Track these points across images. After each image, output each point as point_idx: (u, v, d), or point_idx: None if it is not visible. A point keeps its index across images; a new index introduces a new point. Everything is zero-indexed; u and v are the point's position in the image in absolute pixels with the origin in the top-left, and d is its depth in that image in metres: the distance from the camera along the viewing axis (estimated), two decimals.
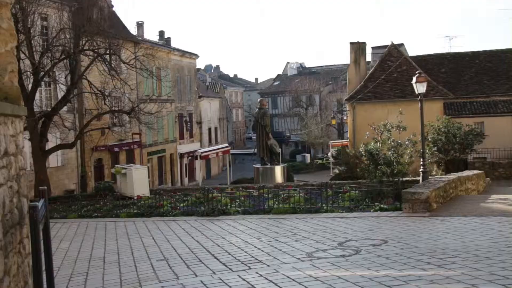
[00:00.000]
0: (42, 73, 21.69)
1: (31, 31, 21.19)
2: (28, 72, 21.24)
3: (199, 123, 51.30)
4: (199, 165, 43.09)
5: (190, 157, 45.90)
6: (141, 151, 37.46)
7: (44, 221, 4.16)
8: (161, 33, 49.92)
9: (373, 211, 12.20)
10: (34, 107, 22.02)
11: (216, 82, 66.86)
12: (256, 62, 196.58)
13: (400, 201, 12.11)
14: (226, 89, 73.24)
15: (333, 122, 53.56)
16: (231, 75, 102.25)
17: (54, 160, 27.46)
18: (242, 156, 60.42)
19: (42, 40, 24.04)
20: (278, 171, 24.18)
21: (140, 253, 9.32)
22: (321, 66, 77.90)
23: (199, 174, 43.51)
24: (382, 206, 12.54)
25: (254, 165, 26.44)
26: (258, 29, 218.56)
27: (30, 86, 21.40)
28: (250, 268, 7.23)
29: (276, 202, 14.16)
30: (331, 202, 13.64)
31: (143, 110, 26.50)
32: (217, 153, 46.73)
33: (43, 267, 3.99)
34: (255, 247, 8.77)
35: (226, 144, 54.72)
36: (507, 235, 8.16)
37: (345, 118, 45.15)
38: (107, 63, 23.86)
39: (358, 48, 36.28)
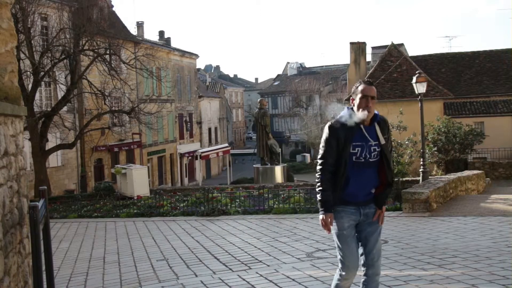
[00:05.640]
0: (42, 73, 21.69)
1: (31, 31, 21.20)
2: (28, 72, 21.26)
3: (199, 123, 51.30)
4: (199, 165, 43.10)
5: (190, 157, 45.92)
6: (141, 151, 37.47)
7: (44, 221, 4.16)
8: (161, 33, 49.93)
9: None
10: (34, 107, 22.03)
11: (216, 82, 66.89)
12: (256, 62, 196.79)
13: (400, 201, 12.11)
14: (226, 89, 73.24)
15: None
16: (231, 75, 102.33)
17: (54, 160, 27.47)
18: (242, 156, 60.36)
19: (42, 40, 24.05)
20: (278, 171, 24.19)
21: (140, 253, 9.32)
22: (321, 66, 77.89)
23: (199, 174, 43.52)
24: None
25: (254, 165, 26.45)
26: (259, 29, 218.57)
27: (30, 86, 21.41)
28: (250, 268, 7.23)
29: (276, 202, 14.16)
30: None
31: (143, 110, 26.52)
32: (217, 153, 46.75)
33: (43, 267, 3.99)
34: (255, 247, 8.76)
35: (226, 144, 54.73)
36: (507, 235, 8.16)
37: None
38: (107, 63, 23.88)
39: (358, 48, 36.30)
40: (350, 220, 4.07)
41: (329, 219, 4.03)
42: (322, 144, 4.14)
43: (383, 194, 4.14)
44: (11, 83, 3.74)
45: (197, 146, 48.18)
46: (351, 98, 4.13)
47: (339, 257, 4.11)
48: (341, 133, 4.00)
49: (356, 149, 4.01)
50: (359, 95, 4.01)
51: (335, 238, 4.13)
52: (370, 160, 4.04)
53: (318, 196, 4.12)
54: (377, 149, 4.04)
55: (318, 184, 4.10)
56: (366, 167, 4.05)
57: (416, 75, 17.19)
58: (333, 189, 4.04)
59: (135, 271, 7.93)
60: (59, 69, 23.92)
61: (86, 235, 12.46)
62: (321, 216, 4.06)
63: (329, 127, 4.09)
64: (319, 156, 4.14)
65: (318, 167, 4.13)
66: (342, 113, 4.11)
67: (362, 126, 4.03)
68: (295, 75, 75.50)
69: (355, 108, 4.05)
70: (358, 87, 4.07)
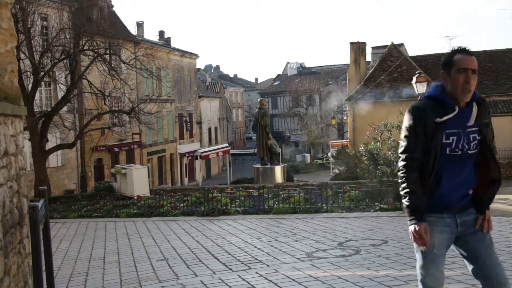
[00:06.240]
0: (42, 73, 21.71)
1: (31, 31, 21.22)
2: (28, 72, 21.27)
3: (199, 123, 51.33)
4: (199, 165, 43.09)
5: (190, 157, 45.93)
6: (141, 151, 37.48)
7: (44, 221, 4.16)
8: (161, 33, 49.98)
9: (373, 211, 12.21)
10: (34, 107, 22.05)
11: (216, 82, 66.95)
12: (256, 62, 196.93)
13: (400, 201, 12.11)
14: (226, 89, 73.30)
15: (333, 122, 53.62)
16: (231, 75, 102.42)
17: (54, 160, 27.47)
18: (242, 156, 60.36)
19: (42, 40, 24.07)
20: (278, 171, 24.20)
21: (140, 253, 9.32)
22: (321, 66, 77.91)
23: (199, 174, 43.52)
24: (382, 206, 12.54)
25: (254, 165, 26.47)
26: (259, 29, 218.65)
27: (30, 86, 21.42)
28: (250, 268, 7.23)
29: (276, 202, 14.16)
30: (331, 202, 13.64)
31: (143, 110, 26.54)
32: (217, 153, 46.77)
33: (43, 267, 3.99)
34: (255, 247, 8.77)
35: (226, 144, 54.74)
36: (507, 235, 8.16)
37: (345, 118, 45.17)
38: (107, 63, 23.89)
39: (358, 48, 36.29)
40: (442, 234, 3.09)
41: (424, 230, 3.01)
42: (404, 133, 3.15)
43: (487, 195, 3.14)
44: (11, 83, 3.74)
45: (197, 146, 48.19)
46: (441, 71, 3.11)
47: (420, 277, 3.13)
48: (431, 116, 2.99)
49: (451, 138, 3.01)
50: (455, 68, 2.98)
51: (418, 255, 3.14)
52: (469, 152, 3.03)
53: (406, 201, 3.11)
54: (477, 137, 3.03)
55: (404, 185, 3.12)
56: (464, 161, 3.04)
57: (416, 75, 17.21)
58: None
59: (135, 271, 7.93)
60: (59, 69, 23.94)
61: (86, 235, 12.46)
62: (412, 227, 3.05)
63: (413, 109, 3.07)
64: (401, 150, 3.18)
65: (401, 163, 3.16)
66: (429, 91, 3.13)
67: (457, 107, 2.99)
68: (295, 75, 75.51)
69: (449, 86, 3.02)
70: (453, 57, 3.03)
